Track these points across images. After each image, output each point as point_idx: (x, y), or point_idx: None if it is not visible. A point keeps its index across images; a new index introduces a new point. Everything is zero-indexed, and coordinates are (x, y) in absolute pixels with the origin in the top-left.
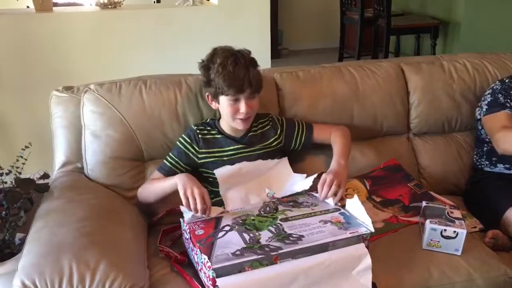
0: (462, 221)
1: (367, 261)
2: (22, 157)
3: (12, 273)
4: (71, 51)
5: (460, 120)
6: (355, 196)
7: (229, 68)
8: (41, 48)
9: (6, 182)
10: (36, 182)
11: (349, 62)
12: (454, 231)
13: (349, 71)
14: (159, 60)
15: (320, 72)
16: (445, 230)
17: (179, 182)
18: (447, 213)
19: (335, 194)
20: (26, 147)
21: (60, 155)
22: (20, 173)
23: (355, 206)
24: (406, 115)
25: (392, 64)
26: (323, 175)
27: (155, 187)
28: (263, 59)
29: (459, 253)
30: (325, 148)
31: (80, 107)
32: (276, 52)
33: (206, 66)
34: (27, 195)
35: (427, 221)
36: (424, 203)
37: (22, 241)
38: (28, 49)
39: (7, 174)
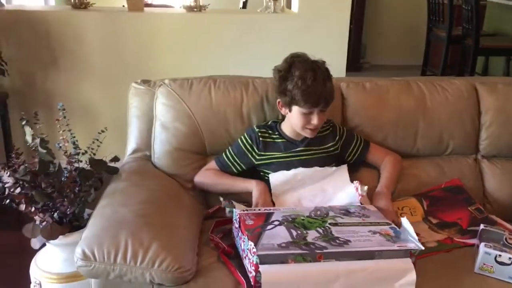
0: None
1: (412, 276)
2: (98, 140)
3: (77, 243)
4: (156, 48)
5: None
6: (405, 218)
7: (308, 82)
8: (129, 44)
9: (81, 161)
10: (108, 164)
11: (419, 77)
12: (510, 258)
13: (418, 86)
14: (237, 63)
15: (388, 85)
16: (499, 255)
17: (255, 191)
18: (505, 238)
19: None
20: (102, 131)
21: (132, 142)
22: (94, 154)
23: (407, 226)
24: (475, 136)
25: (465, 82)
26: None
27: (225, 182)
28: (338, 70)
29: None
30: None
31: (153, 99)
32: (358, 66)
33: (284, 76)
34: (98, 175)
35: (482, 244)
36: (482, 226)
37: (90, 216)
38: (118, 43)
39: (83, 154)
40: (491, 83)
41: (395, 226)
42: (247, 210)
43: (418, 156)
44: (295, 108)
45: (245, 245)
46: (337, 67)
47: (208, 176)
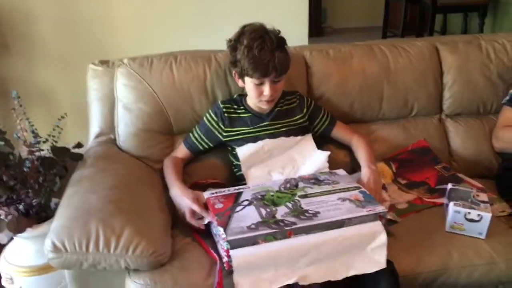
0: (488, 205)
1: (382, 238)
2: (58, 126)
3: (46, 234)
4: (113, 26)
5: (497, 102)
6: None
7: (255, 52)
8: (85, 22)
9: (43, 150)
10: (71, 151)
11: (382, 41)
12: (478, 214)
13: (381, 50)
14: (198, 37)
15: (351, 51)
16: (469, 213)
17: (173, 200)
18: (473, 196)
19: None
20: (62, 117)
21: (94, 126)
22: (56, 141)
23: None
24: (439, 96)
25: (426, 43)
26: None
27: (166, 176)
28: (301, 37)
29: (483, 236)
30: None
31: (113, 80)
32: (320, 30)
33: (233, 46)
34: (62, 162)
35: (451, 203)
36: (450, 185)
37: (57, 206)
38: (72, 23)
39: (44, 142)
40: (452, 42)
41: (365, 190)
42: (216, 193)
43: (384, 120)
44: (247, 79)
45: (216, 230)
46: (299, 34)
47: (166, 164)
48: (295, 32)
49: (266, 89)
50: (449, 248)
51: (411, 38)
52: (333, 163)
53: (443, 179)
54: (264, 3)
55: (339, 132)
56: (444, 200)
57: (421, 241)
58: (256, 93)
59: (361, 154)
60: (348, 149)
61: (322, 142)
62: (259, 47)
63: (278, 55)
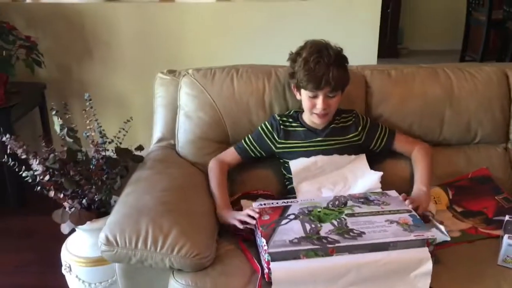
0: None
1: (428, 266)
2: (123, 129)
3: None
4: (187, 38)
5: None
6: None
7: (311, 64)
8: (160, 34)
9: (108, 150)
10: (133, 153)
11: (447, 64)
12: None
13: (446, 73)
14: (266, 52)
15: (414, 72)
16: None
17: (219, 219)
18: None
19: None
20: (128, 120)
21: (157, 131)
22: (121, 143)
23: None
24: (506, 124)
25: (495, 69)
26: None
27: (211, 184)
28: (369, 57)
29: None
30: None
31: (178, 89)
32: (395, 51)
33: (293, 58)
34: (124, 163)
35: (505, 236)
36: (507, 217)
37: (116, 203)
38: (149, 34)
39: (109, 143)
40: None
41: (416, 214)
42: (264, 204)
43: (444, 145)
44: (302, 92)
45: (259, 241)
46: (368, 54)
47: (211, 169)
48: (363, 51)
49: (319, 102)
50: (499, 282)
51: (476, 63)
52: (388, 178)
53: (502, 210)
54: (334, 20)
55: (400, 144)
56: (499, 232)
57: (471, 272)
58: (309, 106)
59: (416, 172)
60: (406, 163)
61: (377, 159)
62: (316, 60)
63: (333, 70)
